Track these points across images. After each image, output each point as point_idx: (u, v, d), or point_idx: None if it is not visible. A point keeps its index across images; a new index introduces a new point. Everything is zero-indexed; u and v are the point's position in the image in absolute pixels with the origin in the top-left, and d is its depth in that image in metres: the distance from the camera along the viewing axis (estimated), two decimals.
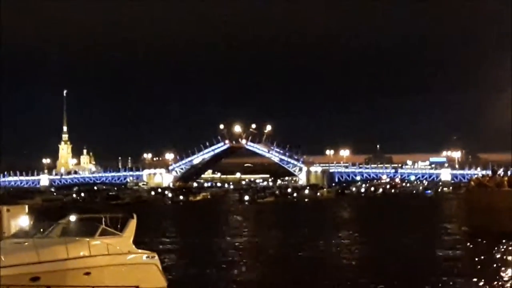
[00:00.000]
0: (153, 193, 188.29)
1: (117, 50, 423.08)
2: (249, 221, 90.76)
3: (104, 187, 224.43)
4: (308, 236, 64.19)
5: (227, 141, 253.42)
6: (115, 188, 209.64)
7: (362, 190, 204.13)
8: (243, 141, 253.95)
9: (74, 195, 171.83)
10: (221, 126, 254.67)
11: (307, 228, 73.08)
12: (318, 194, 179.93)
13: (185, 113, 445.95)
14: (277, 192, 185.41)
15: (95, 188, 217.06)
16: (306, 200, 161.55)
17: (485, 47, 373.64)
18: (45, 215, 31.68)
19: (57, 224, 29.40)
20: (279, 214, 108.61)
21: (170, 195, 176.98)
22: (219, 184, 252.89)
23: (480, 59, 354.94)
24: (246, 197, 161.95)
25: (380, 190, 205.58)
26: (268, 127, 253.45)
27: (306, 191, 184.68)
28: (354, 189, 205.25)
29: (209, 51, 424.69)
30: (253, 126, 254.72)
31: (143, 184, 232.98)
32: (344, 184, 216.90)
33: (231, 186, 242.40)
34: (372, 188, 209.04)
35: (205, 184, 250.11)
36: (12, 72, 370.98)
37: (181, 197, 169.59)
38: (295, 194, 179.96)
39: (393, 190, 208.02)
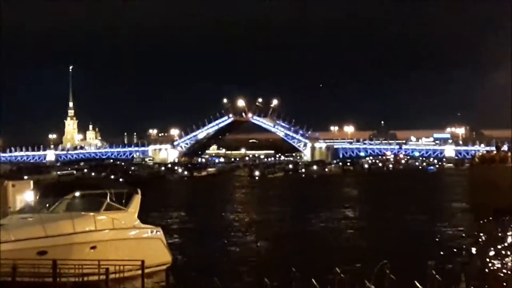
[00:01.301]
0: (163, 168, 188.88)
1: (123, 25, 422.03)
2: (258, 197, 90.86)
3: (111, 161, 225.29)
4: (314, 211, 64.36)
5: (231, 115, 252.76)
6: (122, 164, 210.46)
7: (366, 166, 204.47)
8: (249, 115, 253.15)
9: (86, 170, 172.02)
10: (225, 101, 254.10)
11: (314, 204, 73.30)
12: (326, 169, 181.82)
13: (191, 88, 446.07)
14: (289, 166, 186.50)
15: (105, 162, 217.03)
16: (314, 175, 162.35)
17: (486, 26, 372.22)
18: (50, 191, 31.76)
19: (63, 199, 29.68)
20: (289, 190, 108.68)
21: (180, 170, 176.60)
22: (222, 160, 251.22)
23: (484, 35, 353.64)
24: (257, 172, 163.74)
25: (386, 165, 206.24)
26: (275, 101, 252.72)
27: (315, 167, 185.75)
28: (363, 164, 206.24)
29: (215, 27, 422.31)
30: (259, 100, 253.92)
31: (149, 160, 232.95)
32: (349, 160, 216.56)
33: (237, 160, 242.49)
34: (380, 164, 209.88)
35: (216, 160, 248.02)
36: (18, 47, 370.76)
37: (185, 173, 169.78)
38: (303, 170, 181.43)
39: (396, 166, 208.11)
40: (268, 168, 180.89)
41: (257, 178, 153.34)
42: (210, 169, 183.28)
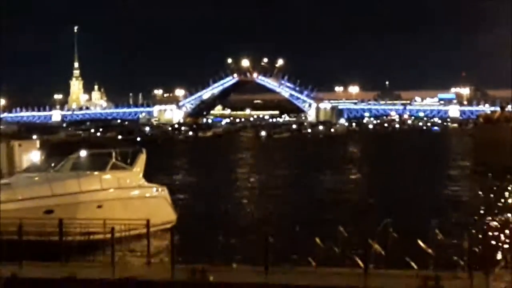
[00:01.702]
0: (170, 128, 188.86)
1: None
2: (264, 158, 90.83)
3: (119, 122, 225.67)
4: (319, 171, 64.55)
5: (235, 75, 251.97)
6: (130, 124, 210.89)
7: (370, 126, 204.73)
8: (254, 75, 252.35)
9: (93, 130, 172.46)
10: (229, 61, 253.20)
11: (319, 164, 73.46)
12: (332, 130, 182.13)
13: (196, 48, 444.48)
14: (294, 126, 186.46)
15: (112, 123, 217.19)
16: (320, 136, 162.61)
17: None
18: (56, 150, 31.96)
19: (68, 158, 29.82)
20: (295, 150, 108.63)
21: (191, 133, 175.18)
22: (227, 120, 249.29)
23: None
24: (263, 133, 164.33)
25: (391, 126, 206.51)
26: (280, 61, 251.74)
27: (321, 127, 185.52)
28: (368, 125, 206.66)
29: None
30: (265, 60, 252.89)
31: (155, 120, 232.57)
32: (355, 121, 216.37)
33: (243, 121, 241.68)
34: (386, 124, 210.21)
35: (221, 121, 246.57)
36: (24, 9, 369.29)
37: (190, 133, 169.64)
38: (309, 130, 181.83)
39: (402, 126, 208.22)
40: (274, 128, 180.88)
41: (263, 138, 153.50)
42: (216, 130, 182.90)
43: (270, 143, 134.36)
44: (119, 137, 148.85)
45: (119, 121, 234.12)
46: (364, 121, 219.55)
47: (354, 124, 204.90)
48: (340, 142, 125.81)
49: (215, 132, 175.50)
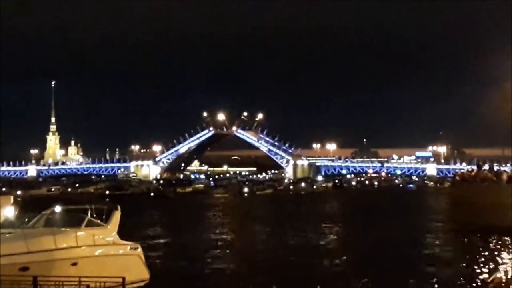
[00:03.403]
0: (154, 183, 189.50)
1: (107, 43, 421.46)
2: (246, 214, 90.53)
3: (99, 177, 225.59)
4: (299, 228, 64.50)
5: (211, 128, 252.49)
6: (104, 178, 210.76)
7: (354, 183, 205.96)
8: (233, 128, 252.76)
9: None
10: (205, 114, 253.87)
11: (300, 220, 73.36)
12: (314, 187, 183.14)
13: (173, 105, 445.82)
14: (275, 184, 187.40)
15: (91, 178, 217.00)
16: (302, 192, 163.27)
17: (470, 44, 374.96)
18: (29, 205, 31.61)
19: (42, 214, 29.50)
20: (279, 206, 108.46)
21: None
22: (202, 176, 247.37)
23: (467, 55, 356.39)
24: (246, 189, 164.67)
25: (371, 183, 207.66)
26: (260, 115, 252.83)
27: (303, 184, 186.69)
28: (351, 182, 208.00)
29: (197, 42, 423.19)
30: (245, 114, 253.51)
31: (133, 176, 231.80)
32: (337, 178, 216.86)
33: (222, 177, 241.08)
34: (367, 182, 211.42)
35: (201, 176, 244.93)
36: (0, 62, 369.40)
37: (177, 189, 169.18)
38: (291, 187, 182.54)
39: (382, 184, 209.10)
40: (257, 184, 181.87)
41: (246, 194, 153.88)
42: (197, 185, 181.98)
43: (254, 199, 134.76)
44: (107, 192, 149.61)
45: (99, 176, 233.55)
46: (341, 178, 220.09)
47: (336, 181, 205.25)
48: (323, 199, 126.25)
49: (195, 188, 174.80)
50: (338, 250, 50.52)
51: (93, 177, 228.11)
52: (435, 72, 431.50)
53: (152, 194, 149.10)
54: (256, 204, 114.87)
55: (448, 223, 66.25)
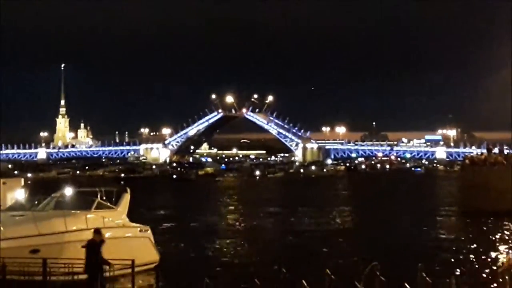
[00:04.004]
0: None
1: (117, 26, 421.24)
2: (257, 197, 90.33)
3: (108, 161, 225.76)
4: (309, 212, 64.41)
5: (220, 111, 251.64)
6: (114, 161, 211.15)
7: (363, 167, 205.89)
8: (243, 111, 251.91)
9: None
10: (213, 96, 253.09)
11: (310, 204, 73.18)
12: (325, 170, 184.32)
13: (182, 87, 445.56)
14: (286, 167, 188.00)
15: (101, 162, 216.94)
16: (312, 175, 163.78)
17: (482, 27, 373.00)
18: (39, 188, 31.74)
19: (52, 197, 29.58)
20: (290, 189, 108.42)
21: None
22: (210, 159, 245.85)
23: (479, 38, 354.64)
24: (257, 172, 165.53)
25: (381, 167, 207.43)
26: (270, 98, 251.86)
27: (313, 168, 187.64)
28: (361, 165, 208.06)
29: (209, 25, 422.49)
30: (255, 96, 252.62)
31: (143, 159, 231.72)
32: (347, 162, 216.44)
33: (232, 160, 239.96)
34: (378, 165, 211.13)
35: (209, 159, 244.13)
36: (11, 46, 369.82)
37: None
38: (301, 170, 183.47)
39: (392, 167, 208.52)
40: (268, 168, 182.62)
41: (257, 177, 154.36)
42: (208, 169, 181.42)
43: (265, 182, 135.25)
44: (122, 175, 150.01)
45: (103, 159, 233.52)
46: (353, 161, 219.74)
47: (348, 164, 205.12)
48: (332, 182, 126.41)
49: (206, 171, 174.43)
50: (348, 233, 50.41)
51: (104, 160, 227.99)
52: (446, 58, 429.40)
53: (174, 176, 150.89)
54: (270, 187, 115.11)
55: (458, 207, 66.01)
